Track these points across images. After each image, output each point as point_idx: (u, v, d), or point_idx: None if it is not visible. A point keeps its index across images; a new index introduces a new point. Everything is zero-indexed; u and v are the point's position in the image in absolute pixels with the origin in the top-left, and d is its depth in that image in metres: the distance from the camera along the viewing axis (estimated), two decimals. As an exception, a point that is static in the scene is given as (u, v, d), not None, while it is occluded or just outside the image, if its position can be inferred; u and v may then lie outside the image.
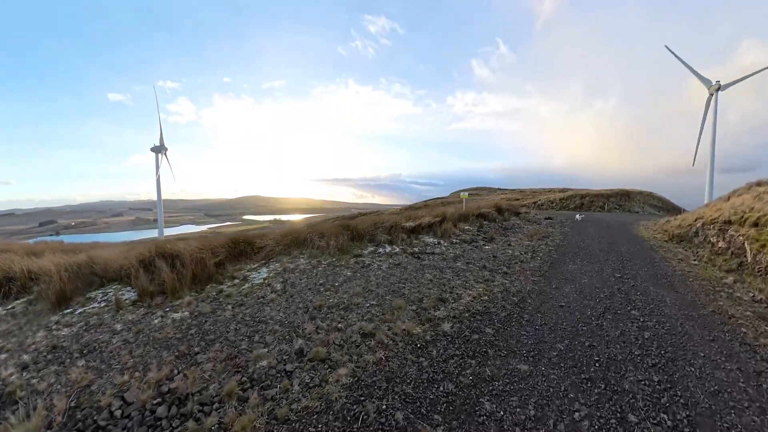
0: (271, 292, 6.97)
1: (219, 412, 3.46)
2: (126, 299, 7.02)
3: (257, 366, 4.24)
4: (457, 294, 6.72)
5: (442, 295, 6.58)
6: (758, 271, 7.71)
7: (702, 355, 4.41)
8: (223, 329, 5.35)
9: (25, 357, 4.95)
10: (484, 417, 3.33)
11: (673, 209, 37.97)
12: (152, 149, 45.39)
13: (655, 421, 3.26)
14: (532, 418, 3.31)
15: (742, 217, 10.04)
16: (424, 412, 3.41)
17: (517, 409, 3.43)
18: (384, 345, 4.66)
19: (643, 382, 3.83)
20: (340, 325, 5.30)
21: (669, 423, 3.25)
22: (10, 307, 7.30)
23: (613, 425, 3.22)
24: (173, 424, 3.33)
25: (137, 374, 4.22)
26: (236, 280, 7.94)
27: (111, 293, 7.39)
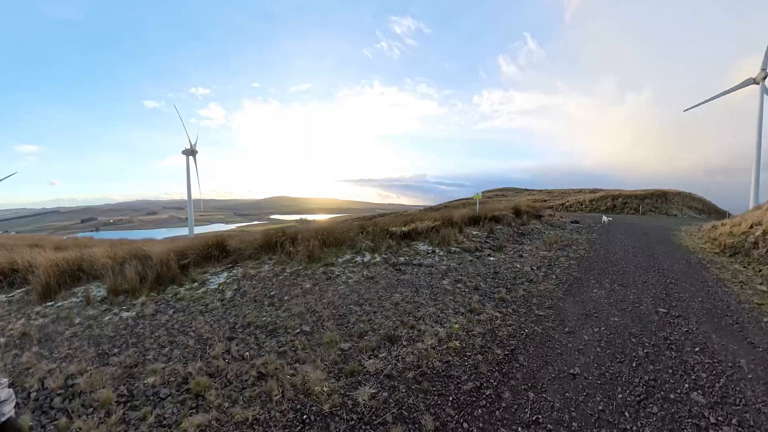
0: (218, 300, 6.68)
1: (85, 419, 3.40)
2: (98, 296, 7.38)
3: (144, 382, 4.04)
4: (418, 330, 4.90)
5: (395, 331, 4.83)
6: None
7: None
8: (148, 334, 5.32)
9: (1, 339, 5.58)
10: None
11: (715, 212, 34.68)
12: (183, 152, 48.02)
13: None
14: None
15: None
16: None
17: None
18: (265, 401, 3.51)
19: None
20: (247, 353, 4.57)
21: None
22: (11, 295, 8.12)
23: None
24: (56, 416, 3.50)
25: (63, 365, 4.50)
26: (195, 284, 7.76)
27: (92, 289, 7.74)
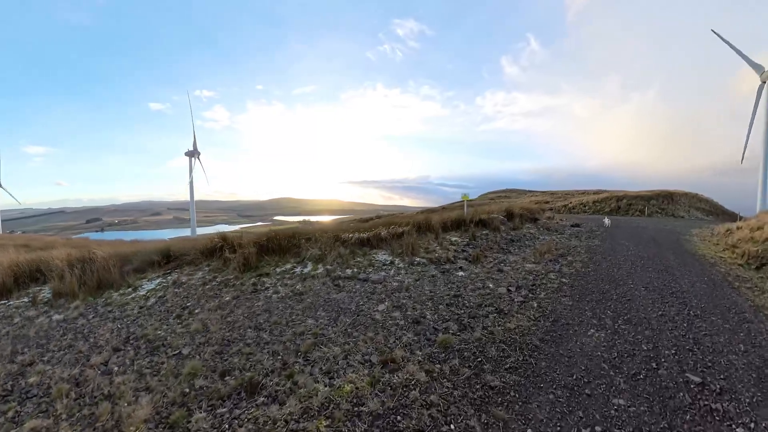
0: (138, 307, 6.60)
1: None
2: (45, 298, 7.52)
3: (27, 380, 4.22)
4: (293, 383, 3.53)
5: (266, 377, 3.68)
6: None
7: None
8: (59, 337, 5.49)
9: (-67, 335, 5.79)
10: None
11: (723, 213, 32.98)
12: (186, 153, 46.91)
13: None
14: None
15: None
16: None
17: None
18: (91, 423, 3.41)
19: None
20: (117, 368, 4.45)
21: None
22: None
23: None
24: None
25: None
26: (129, 289, 7.69)
27: (44, 291, 7.88)
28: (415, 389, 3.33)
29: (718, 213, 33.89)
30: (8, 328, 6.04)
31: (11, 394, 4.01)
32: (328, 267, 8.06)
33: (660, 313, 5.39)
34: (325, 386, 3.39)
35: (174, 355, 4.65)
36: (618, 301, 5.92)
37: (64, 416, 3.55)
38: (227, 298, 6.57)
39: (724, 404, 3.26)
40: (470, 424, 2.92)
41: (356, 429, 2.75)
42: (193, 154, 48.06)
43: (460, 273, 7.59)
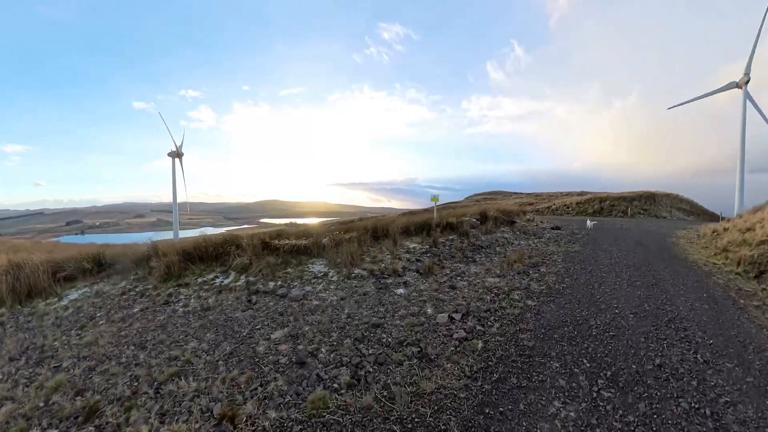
0: (54, 317, 6.36)
1: None
2: None
3: None
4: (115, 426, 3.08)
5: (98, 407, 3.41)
6: None
7: None
8: None
9: None
10: None
11: (703, 213, 33.70)
12: (169, 154, 44.92)
13: None
14: None
15: None
16: None
17: None
18: None
19: None
20: None
21: None
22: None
23: None
24: None
25: None
26: (55, 299, 7.33)
27: None
28: None
29: (698, 213, 34.18)
30: None
31: None
32: (251, 279, 6.69)
33: (658, 362, 3.78)
34: (161, 423, 3.00)
35: (55, 367, 4.63)
36: (598, 340, 4.31)
37: None
38: (135, 310, 6.36)
39: None
40: None
41: None
42: (176, 154, 46.00)
43: (400, 290, 5.95)
